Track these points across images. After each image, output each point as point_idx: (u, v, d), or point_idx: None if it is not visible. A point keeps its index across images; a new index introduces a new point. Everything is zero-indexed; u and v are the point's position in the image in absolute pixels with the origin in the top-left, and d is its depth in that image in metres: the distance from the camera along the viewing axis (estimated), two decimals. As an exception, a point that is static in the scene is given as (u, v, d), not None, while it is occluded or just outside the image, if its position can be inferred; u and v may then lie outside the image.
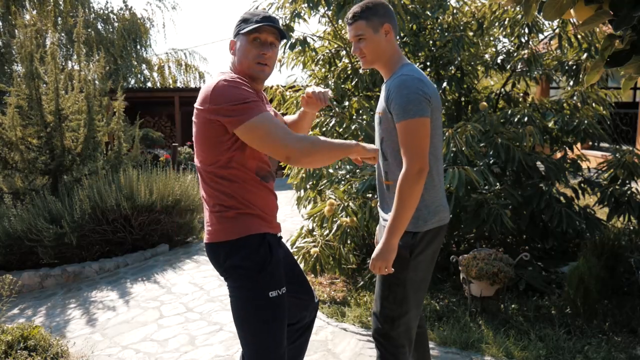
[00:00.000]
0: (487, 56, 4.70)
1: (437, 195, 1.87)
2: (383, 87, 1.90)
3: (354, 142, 1.83)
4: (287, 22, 4.44)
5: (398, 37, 4.67)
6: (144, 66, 16.28)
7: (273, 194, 1.83)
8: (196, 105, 1.70)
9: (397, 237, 1.75)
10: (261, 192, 1.76)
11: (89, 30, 13.63)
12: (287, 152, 1.65)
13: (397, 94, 1.74)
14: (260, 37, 1.75)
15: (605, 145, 6.15)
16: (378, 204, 2.03)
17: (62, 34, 12.41)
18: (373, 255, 1.79)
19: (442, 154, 1.91)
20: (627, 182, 3.93)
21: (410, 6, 4.19)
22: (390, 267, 1.77)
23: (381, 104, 1.86)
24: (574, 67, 4.37)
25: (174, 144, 10.93)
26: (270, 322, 1.71)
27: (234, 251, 1.70)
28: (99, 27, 14.50)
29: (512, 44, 4.65)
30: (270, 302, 1.70)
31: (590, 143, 4.48)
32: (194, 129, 1.74)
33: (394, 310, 1.86)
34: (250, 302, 1.71)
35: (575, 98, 4.38)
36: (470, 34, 4.58)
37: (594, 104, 4.35)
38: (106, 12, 15.01)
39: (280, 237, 1.89)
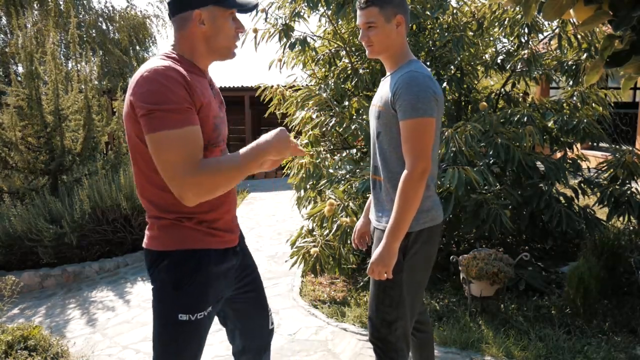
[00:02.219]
0: (487, 56, 4.70)
1: (429, 193, 1.81)
2: (387, 80, 1.82)
3: (263, 147, 1.42)
4: (287, 21, 4.44)
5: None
6: (143, 66, 16.26)
7: (227, 196, 1.55)
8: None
9: (398, 240, 1.69)
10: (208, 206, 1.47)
11: (90, 30, 13.63)
12: (180, 193, 1.35)
13: (406, 90, 1.67)
14: (234, 13, 1.49)
15: (605, 145, 6.16)
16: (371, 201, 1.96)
17: (63, 34, 12.41)
18: (372, 259, 1.73)
19: (437, 154, 1.86)
20: (627, 182, 3.93)
21: (410, 6, 4.19)
22: (390, 272, 1.71)
23: (382, 97, 1.78)
24: (574, 67, 4.36)
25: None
26: (173, 346, 1.51)
27: (157, 262, 1.50)
28: (103, 27, 14.49)
29: (512, 44, 4.65)
30: (177, 325, 1.48)
31: (590, 143, 4.48)
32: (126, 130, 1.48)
33: (390, 314, 1.81)
34: (159, 319, 1.52)
35: (575, 98, 4.38)
36: (470, 34, 4.58)
37: (593, 104, 4.35)
38: (107, 12, 15.01)
39: (236, 248, 1.62)
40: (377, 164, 1.86)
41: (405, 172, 1.68)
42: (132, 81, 1.39)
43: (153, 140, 1.33)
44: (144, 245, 1.55)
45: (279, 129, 1.48)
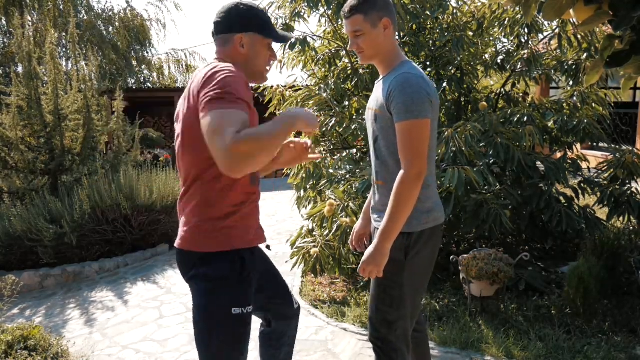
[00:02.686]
0: (487, 56, 4.70)
1: (430, 194, 1.81)
2: (380, 83, 1.82)
3: (293, 114, 1.53)
4: (287, 21, 4.44)
5: (397, 37, 4.68)
6: (143, 66, 16.28)
7: (258, 199, 1.70)
8: (190, 91, 1.54)
9: (390, 241, 1.68)
10: (248, 199, 1.62)
11: (90, 31, 13.61)
12: (222, 166, 1.36)
13: (400, 92, 1.67)
14: (270, 42, 1.72)
15: (605, 145, 6.16)
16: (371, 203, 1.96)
17: (63, 34, 12.40)
18: (364, 258, 1.72)
19: (435, 154, 1.86)
20: (627, 182, 3.93)
21: (410, 6, 4.19)
22: (381, 271, 1.70)
23: (378, 100, 1.78)
24: (574, 67, 4.36)
25: (174, 144, 10.94)
26: (230, 340, 1.59)
27: (204, 262, 1.59)
28: (101, 27, 14.49)
29: (512, 44, 4.65)
30: (233, 319, 1.57)
31: (590, 143, 4.48)
32: (182, 121, 1.57)
33: (391, 314, 1.81)
34: (211, 317, 1.58)
35: (575, 98, 4.38)
36: (470, 34, 4.58)
37: (593, 104, 4.35)
38: (107, 12, 15.01)
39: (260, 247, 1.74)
40: (377, 168, 1.86)
41: (400, 173, 1.68)
42: (197, 78, 1.51)
43: (204, 121, 1.40)
44: (181, 247, 1.62)
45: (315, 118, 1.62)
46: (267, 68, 1.72)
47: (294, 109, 1.58)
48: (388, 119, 1.74)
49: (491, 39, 4.87)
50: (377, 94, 1.81)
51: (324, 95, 4.26)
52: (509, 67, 4.57)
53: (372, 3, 1.74)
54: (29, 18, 11.74)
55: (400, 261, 1.76)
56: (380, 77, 1.86)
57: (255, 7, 1.66)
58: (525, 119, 3.93)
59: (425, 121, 1.67)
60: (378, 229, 1.85)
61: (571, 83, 4.44)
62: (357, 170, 3.84)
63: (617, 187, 3.87)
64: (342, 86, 4.45)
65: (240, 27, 1.63)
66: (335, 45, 4.82)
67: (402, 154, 1.69)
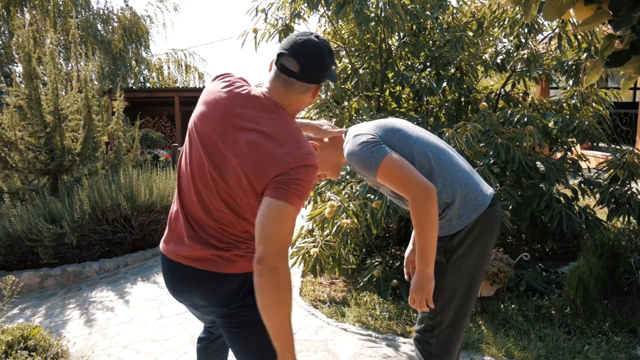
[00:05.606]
0: (486, 56, 4.70)
1: (450, 189, 1.76)
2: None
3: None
4: (287, 22, 4.44)
5: (397, 37, 4.67)
6: (143, 66, 16.29)
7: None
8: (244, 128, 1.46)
9: (428, 265, 1.68)
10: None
11: (88, 30, 13.62)
12: (271, 260, 1.32)
13: (352, 162, 1.78)
14: None
15: (605, 145, 6.15)
16: None
17: (62, 34, 12.40)
18: (411, 289, 1.72)
19: (439, 149, 1.81)
20: (627, 182, 3.93)
21: (410, 6, 4.19)
22: (430, 299, 1.70)
23: (364, 175, 1.84)
24: (574, 67, 4.36)
25: (174, 144, 10.95)
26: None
27: (246, 283, 1.50)
28: (99, 27, 14.49)
29: (512, 44, 4.65)
30: None
31: (590, 143, 4.48)
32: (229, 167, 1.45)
33: (433, 319, 1.79)
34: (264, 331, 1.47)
35: (575, 98, 4.38)
36: (470, 34, 4.58)
37: (593, 104, 4.35)
38: (106, 12, 15.01)
39: None
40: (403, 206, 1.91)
41: (409, 204, 1.69)
42: (275, 134, 1.40)
43: (277, 207, 1.34)
44: (232, 270, 1.50)
45: None
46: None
47: None
48: (376, 181, 1.81)
49: (491, 39, 4.87)
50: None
51: (323, 96, 4.25)
52: (508, 67, 4.57)
53: None
54: (28, 16, 11.75)
55: (442, 264, 1.74)
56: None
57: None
58: (525, 119, 3.93)
59: (387, 157, 1.70)
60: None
61: (571, 83, 4.44)
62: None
63: (617, 187, 3.86)
64: (342, 86, 4.44)
65: (322, 78, 1.49)
66: (335, 46, 4.82)
67: (398, 190, 1.73)
